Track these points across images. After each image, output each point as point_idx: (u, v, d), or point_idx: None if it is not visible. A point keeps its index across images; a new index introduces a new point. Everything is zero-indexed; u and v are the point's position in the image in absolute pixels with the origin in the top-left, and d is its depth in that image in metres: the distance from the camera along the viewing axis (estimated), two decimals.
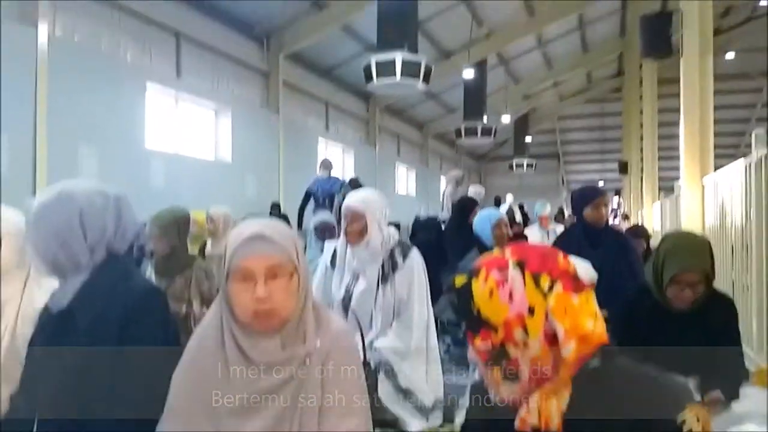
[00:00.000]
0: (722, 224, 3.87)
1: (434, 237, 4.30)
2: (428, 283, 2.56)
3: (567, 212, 17.94)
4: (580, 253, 2.92)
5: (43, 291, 2.04)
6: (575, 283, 0.99)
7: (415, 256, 2.52)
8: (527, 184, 25.55)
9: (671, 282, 2.06)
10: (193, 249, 4.44)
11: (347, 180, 7.99)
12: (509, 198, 13.51)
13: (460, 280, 1.00)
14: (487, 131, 16.08)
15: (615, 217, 16.32)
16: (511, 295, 0.95)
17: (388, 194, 17.39)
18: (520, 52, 17.28)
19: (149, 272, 3.34)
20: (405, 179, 20.29)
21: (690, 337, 2.13)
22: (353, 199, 2.51)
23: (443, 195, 8.21)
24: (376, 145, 16.78)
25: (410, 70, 9.48)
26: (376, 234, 2.47)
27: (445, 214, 8.77)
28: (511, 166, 23.75)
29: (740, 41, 20.32)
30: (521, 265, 0.98)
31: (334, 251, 2.60)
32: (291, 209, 11.19)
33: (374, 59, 9.52)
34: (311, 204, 8.16)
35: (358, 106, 15.88)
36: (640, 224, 4.97)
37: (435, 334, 2.55)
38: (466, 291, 0.98)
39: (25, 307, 2.02)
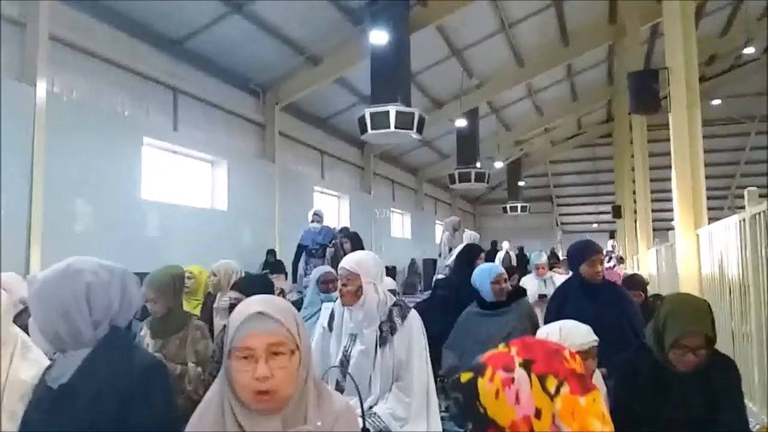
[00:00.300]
0: (721, 274, 3.89)
1: (453, 294, 4.28)
2: (428, 344, 2.54)
3: (561, 256, 17.94)
4: (578, 308, 2.94)
5: (28, 363, 2.01)
6: (582, 384, 0.98)
7: (414, 317, 2.50)
8: (521, 226, 25.72)
9: (673, 346, 2.05)
10: (188, 304, 4.42)
11: (338, 229, 8.01)
12: (506, 245, 13.63)
13: (465, 376, 0.99)
14: (480, 177, 16.29)
15: (610, 260, 16.35)
16: (517, 397, 0.94)
17: (384, 238, 17.43)
18: (510, 101, 17.66)
19: (143, 331, 3.31)
20: (400, 223, 20.37)
21: (693, 400, 2.11)
22: (347, 261, 2.52)
23: (441, 241, 8.24)
24: (371, 191, 16.90)
25: (404, 121, 9.67)
26: (372, 295, 2.46)
27: (442, 260, 8.80)
28: (505, 209, 23.96)
29: (726, 88, 20.88)
30: (527, 366, 0.97)
31: (332, 313, 2.58)
32: (286, 256, 11.18)
33: (369, 111, 9.71)
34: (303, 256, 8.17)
35: (352, 154, 16.08)
36: (636, 273, 4.97)
37: (436, 397, 2.51)
38: (472, 388, 0.97)
39: (11, 380, 1.99)
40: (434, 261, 19.75)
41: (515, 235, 25.25)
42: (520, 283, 6.23)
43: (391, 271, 16.89)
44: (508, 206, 23.66)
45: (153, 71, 8.93)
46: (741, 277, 3.36)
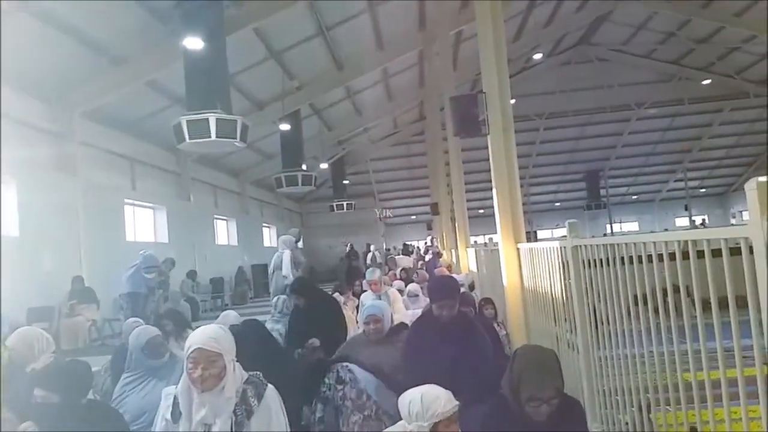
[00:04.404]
0: (542, 286, 4.25)
1: (256, 338, 3.84)
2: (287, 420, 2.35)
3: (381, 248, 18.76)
4: (436, 354, 2.99)
5: None
6: None
7: (271, 394, 2.29)
8: (347, 222, 26.24)
9: (529, 399, 2.14)
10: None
11: (162, 261, 7.30)
12: (373, 247, 15.38)
13: None
14: (307, 179, 16.19)
15: (428, 252, 17.41)
16: None
17: (208, 247, 16.52)
18: (331, 102, 17.83)
19: None
20: (225, 230, 19.48)
21: None
22: (205, 339, 2.19)
23: (282, 260, 7.82)
24: (190, 198, 15.87)
25: (225, 129, 9.15)
26: (233, 377, 2.21)
27: (289, 279, 8.35)
28: (331, 207, 24.25)
29: (518, 88, 23.40)
30: None
31: (174, 401, 2.25)
32: (96, 281, 10.01)
33: (185, 119, 9.01)
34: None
35: (167, 160, 14.89)
36: (465, 291, 5.27)
37: None
38: None
39: None
40: (264, 266, 19.34)
41: (342, 232, 25.82)
42: (361, 299, 6.28)
43: (218, 283, 16.08)
44: (334, 204, 23.96)
45: None
46: (564, 293, 3.69)
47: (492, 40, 5.53)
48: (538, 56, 21.39)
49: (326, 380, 3.27)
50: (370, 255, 15.68)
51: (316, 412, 3.25)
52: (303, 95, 15.34)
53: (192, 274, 13.53)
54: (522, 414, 2.19)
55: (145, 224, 13.80)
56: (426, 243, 19.04)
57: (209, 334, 2.25)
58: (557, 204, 33.41)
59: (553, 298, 4.01)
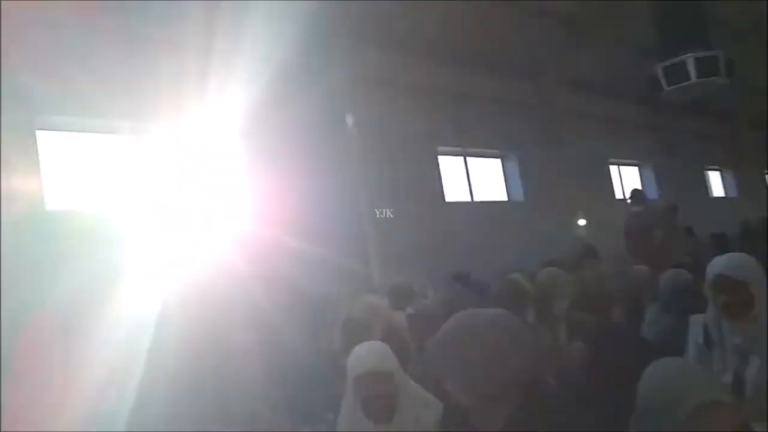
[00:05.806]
0: None
1: None
2: None
3: None
4: None
5: None
6: None
7: None
8: None
9: None
10: None
11: (665, 207, 7.14)
12: None
13: None
14: None
15: None
16: None
17: (701, 201, 15.23)
18: None
19: None
20: (719, 181, 17.64)
21: None
22: (729, 267, 2.17)
23: None
24: (676, 151, 14.95)
25: (707, 67, 8.53)
26: (764, 305, 2.07)
27: None
28: None
29: None
30: None
31: (705, 328, 2.25)
32: (595, 239, 10.56)
33: (661, 66, 8.66)
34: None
35: (644, 117, 14.43)
36: None
37: None
38: None
39: None
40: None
41: None
42: None
43: (720, 238, 14.61)
44: None
45: (430, 81, 9.38)
46: None
47: None
48: None
49: None
50: None
51: None
52: None
53: (688, 230, 12.77)
54: None
55: (631, 182, 13.89)
56: None
57: (733, 262, 2.22)
58: None
59: None
